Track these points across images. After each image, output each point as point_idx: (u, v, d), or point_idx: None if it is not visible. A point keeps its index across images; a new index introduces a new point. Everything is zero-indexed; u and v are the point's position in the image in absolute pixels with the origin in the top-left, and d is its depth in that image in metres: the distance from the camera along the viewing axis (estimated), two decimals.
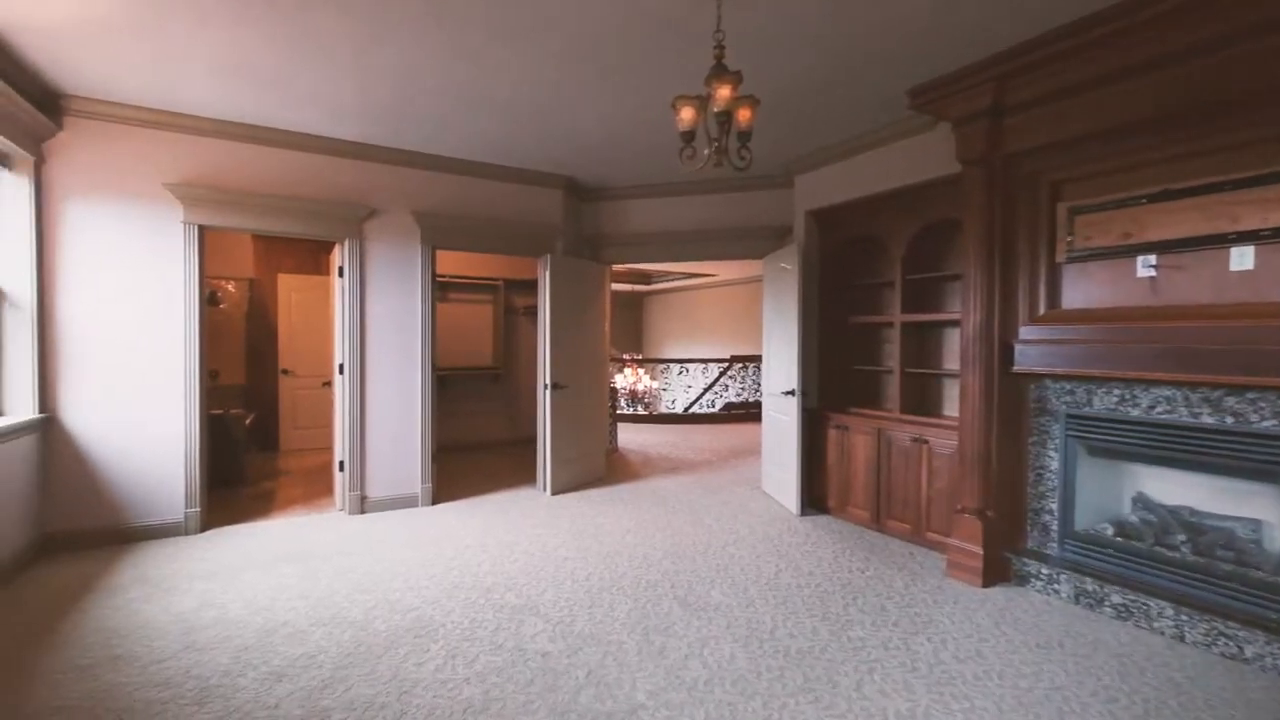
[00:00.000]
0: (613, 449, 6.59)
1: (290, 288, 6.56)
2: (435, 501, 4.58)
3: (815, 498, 4.33)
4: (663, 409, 10.32)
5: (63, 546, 3.53)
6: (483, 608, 2.82)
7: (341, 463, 4.35)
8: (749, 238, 5.07)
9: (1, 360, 3.35)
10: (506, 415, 6.98)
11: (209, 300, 6.39)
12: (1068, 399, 2.95)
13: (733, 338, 11.27)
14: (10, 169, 3.35)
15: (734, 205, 5.10)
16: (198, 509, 3.86)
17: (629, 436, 7.62)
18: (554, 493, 4.81)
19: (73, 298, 3.57)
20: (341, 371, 4.33)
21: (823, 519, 4.18)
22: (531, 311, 6.90)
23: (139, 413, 3.72)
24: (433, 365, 4.58)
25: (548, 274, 4.81)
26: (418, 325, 4.52)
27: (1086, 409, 2.88)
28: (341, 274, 4.32)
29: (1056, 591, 2.91)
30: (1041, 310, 3.00)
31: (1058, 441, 2.99)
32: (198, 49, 2.91)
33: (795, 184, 4.63)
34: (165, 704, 2.10)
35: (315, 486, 5.09)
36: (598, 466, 5.33)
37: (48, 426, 3.52)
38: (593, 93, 3.37)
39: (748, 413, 9.17)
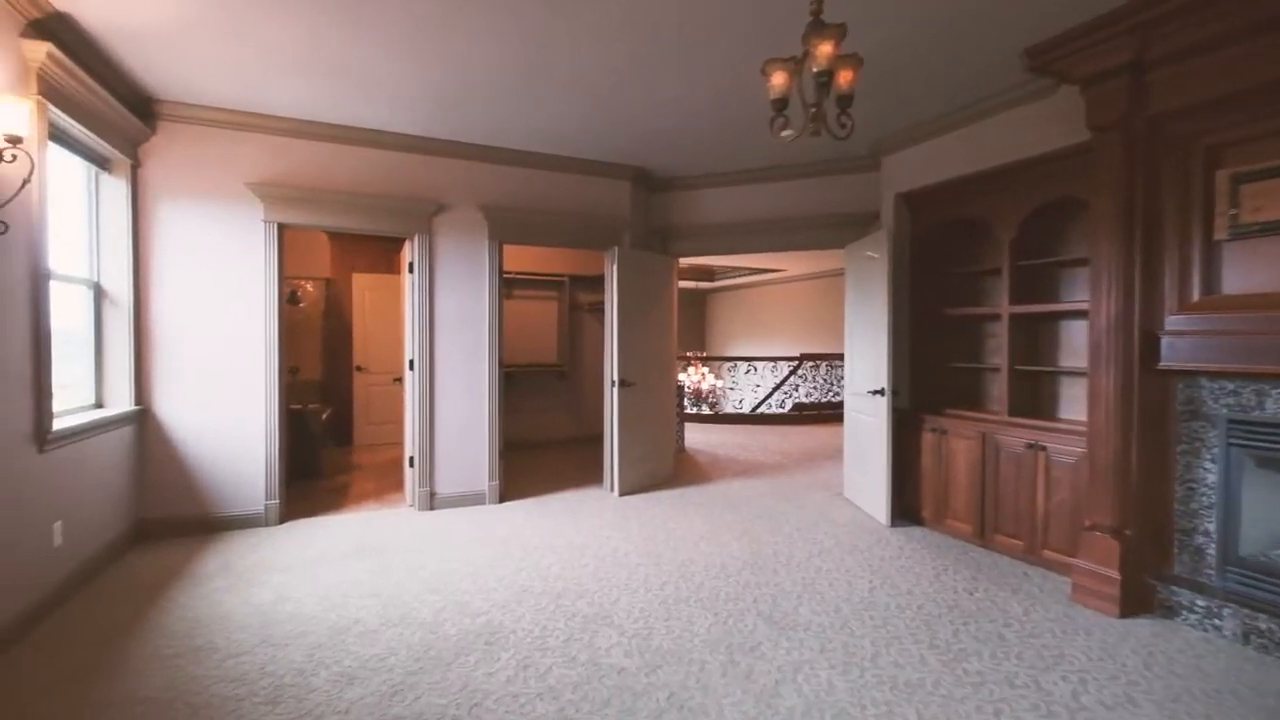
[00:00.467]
0: (679, 449, 6.38)
1: (364, 286, 6.72)
2: (503, 499, 4.51)
3: (907, 507, 3.96)
4: (728, 409, 10.01)
5: (155, 533, 3.66)
6: (554, 615, 2.68)
7: (411, 459, 4.35)
8: (828, 226, 4.74)
9: (103, 355, 3.50)
10: (571, 413, 6.90)
11: (290, 300, 6.64)
12: (1229, 401, 2.50)
13: (801, 336, 10.82)
14: (110, 172, 3.50)
15: (812, 192, 4.78)
16: (277, 501, 3.94)
17: (695, 436, 7.38)
18: (621, 493, 4.65)
19: (163, 295, 3.70)
20: (412, 368, 4.32)
21: (916, 531, 3.81)
22: (596, 309, 6.79)
23: (223, 407, 3.82)
24: (500, 362, 4.52)
25: (615, 268, 4.66)
26: (485, 321, 4.46)
27: (1256, 413, 2.43)
28: (412, 270, 4.32)
29: (1217, 628, 2.47)
30: (1195, 296, 2.56)
31: (1215, 451, 2.54)
32: (277, 43, 2.91)
33: (882, 166, 4.27)
34: (240, 701, 2.06)
35: (386, 481, 5.14)
36: (666, 467, 5.13)
37: (142, 418, 3.65)
38: (666, 71, 3.16)
39: (820, 414, 8.74)
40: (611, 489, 4.74)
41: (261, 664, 2.29)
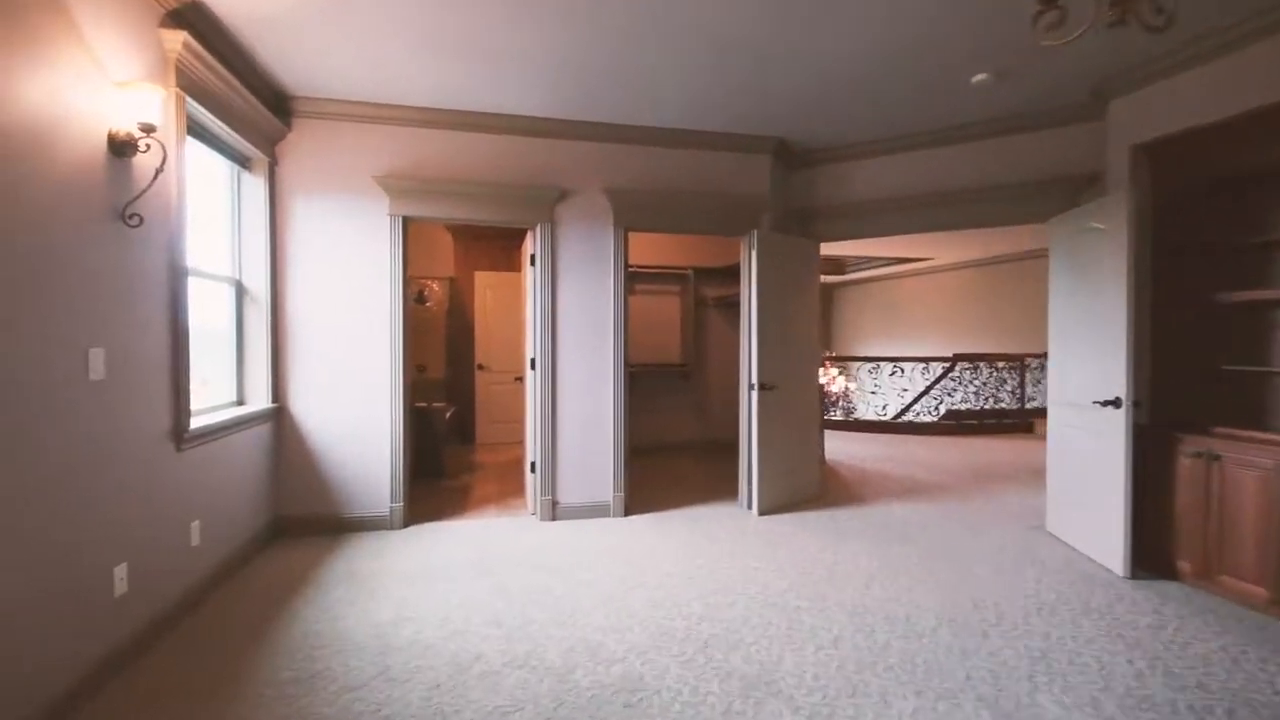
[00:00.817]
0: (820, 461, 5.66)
1: (486, 284, 6.67)
2: (628, 512, 4.11)
3: (1151, 553, 3.02)
4: (866, 414, 9.01)
5: (290, 530, 3.65)
6: (703, 671, 2.18)
7: (533, 464, 4.07)
8: (1022, 196, 3.84)
9: (244, 352, 3.52)
10: (694, 415, 6.40)
11: (417, 299, 6.75)
12: None
13: (949, 333, 9.54)
14: (250, 171, 3.50)
15: (999, 154, 3.90)
16: (401, 504, 3.80)
17: (830, 445, 6.60)
18: (761, 512, 4.07)
19: (296, 292, 3.67)
20: (533, 367, 4.04)
21: (1170, 587, 2.88)
22: (723, 304, 6.24)
23: (351, 405, 3.74)
24: (625, 360, 4.11)
25: (754, 254, 4.09)
26: (610, 316, 4.08)
27: None
28: (533, 262, 4.03)
29: None
30: None
31: None
32: (405, 17, 2.67)
33: (1110, 111, 3.33)
34: None
35: (508, 484, 4.94)
36: (810, 483, 4.47)
37: (278, 416, 3.65)
38: (818, 17, 2.55)
39: (981, 424, 7.56)
40: (749, 506, 4.18)
41: (378, 704, 2.00)
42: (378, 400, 3.77)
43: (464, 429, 6.67)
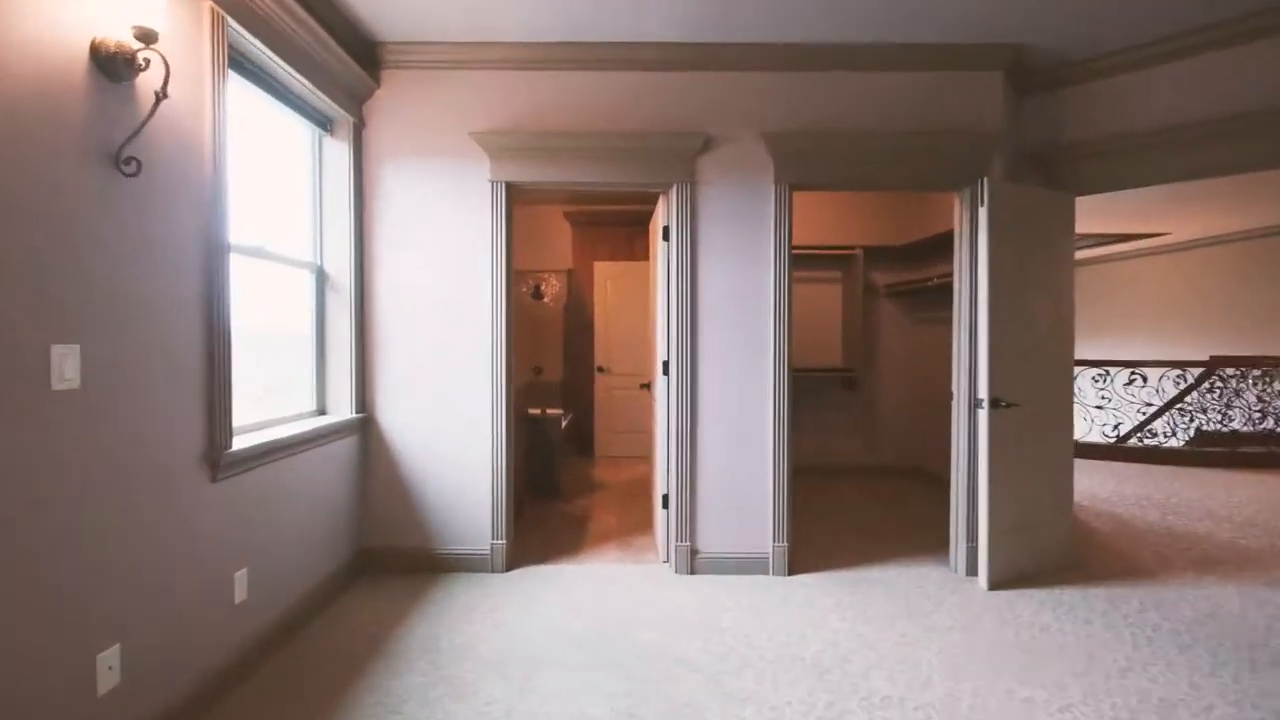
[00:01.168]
0: None
1: (606, 275, 5.90)
2: (792, 569, 3.04)
3: None
4: (1083, 434, 7.09)
5: (375, 566, 3.03)
6: None
7: (665, 498, 3.14)
8: None
9: (325, 351, 2.94)
10: (861, 434, 5.12)
11: (533, 294, 6.14)
12: None
13: (1193, 330, 7.30)
14: (333, 134, 2.92)
15: None
16: (503, 542, 3.04)
17: None
18: (992, 584, 2.81)
19: (383, 279, 3.04)
20: (665, 372, 3.11)
21: None
22: (898, 292, 4.91)
23: (445, 415, 3.05)
24: (788, 363, 3.05)
25: (983, 214, 2.84)
26: (769, 306, 3.04)
27: None
28: (667, 236, 3.11)
29: None
30: None
31: None
32: None
33: None
34: None
35: (631, 512, 4.07)
36: (1058, 542, 3.11)
37: (365, 428, 3.04)
38: None
39: (1270, 452, 5.51)
40: (966, 571, 2.94)
41: None
42: (477, 409, 3.04)
43: (582, 439, 5.95)
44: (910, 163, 3.01)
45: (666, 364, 3.12)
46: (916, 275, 4.78)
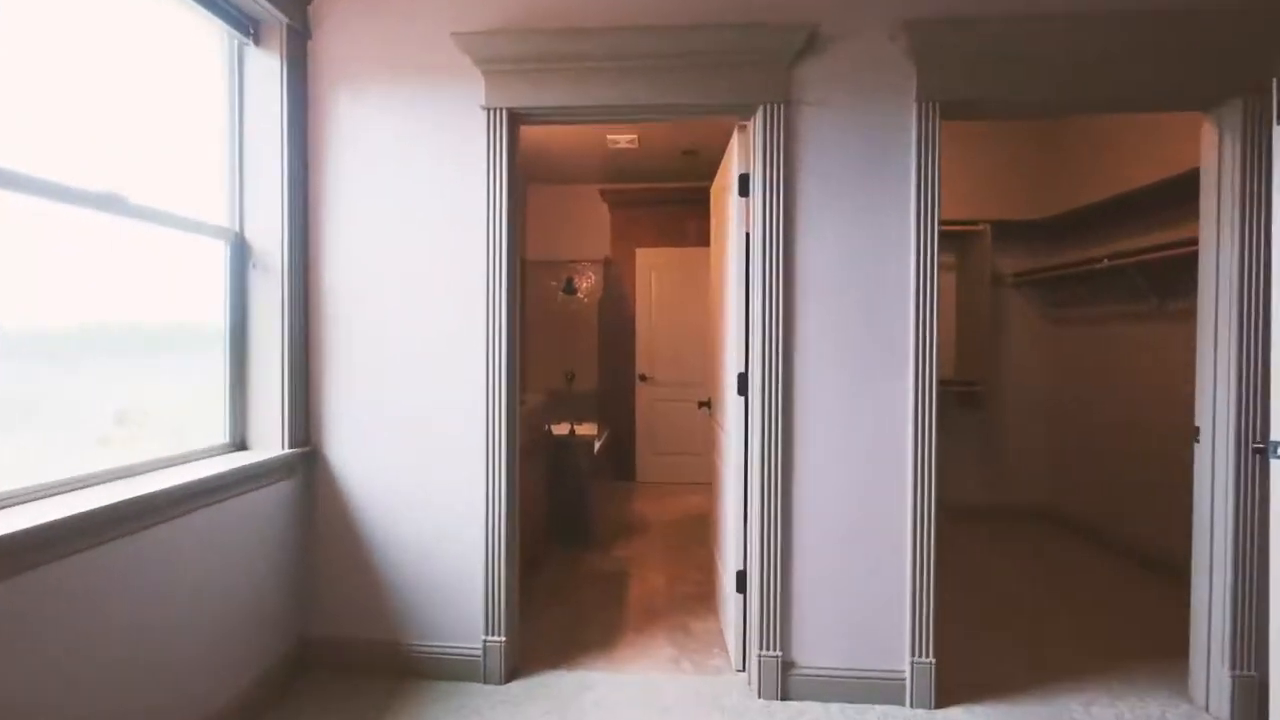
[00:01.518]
0: None
1: (649, 264, 4.91)
2: (942, 699, 1.96)
3: None
4: None
5: (326, 661, 2.11)
6: None
7: (741, 576, 2.11)
8: None
9: (246, 358, 2.04)
10: (986, 466, 3.93)
11: (565, 289, 5.22)
12: None
13: None
14: (261, 44, 2.02)
15: None
16: (502, 639, 2.07)
17: None
18: None
19: (336, 255, 2.12)
20: (742, 390, 2.08)
21: None
22: (1032, 281, 3.71)
23: (423, 448, 2.10)
24: (934, 381, 1.98)
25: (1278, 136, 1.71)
26: (905, 292, 1.99)
27: None
28: (744, 189, 2.09)
29: None
30: None
31: None
32: None
33: None
34: None
35: (686, 569, 3.06)
36: None
37: (308, 467, 2.12)
38: None
39: None
40: (1240, 717, 1.81)
41: None
42: (469, 440, 2.09)
43: (620, 459, 4.97)
44: (1132, 58, 1.90)
45: (743, 378, 2.09)
46: (1063, 258, 3.61)
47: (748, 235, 2.07)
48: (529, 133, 2.80)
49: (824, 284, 2.00)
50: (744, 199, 2.10)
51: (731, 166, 2.23)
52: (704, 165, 4.66)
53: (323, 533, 2.13)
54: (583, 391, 5.23)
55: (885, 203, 1.98)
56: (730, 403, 2.21)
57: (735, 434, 2.14)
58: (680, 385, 4.87)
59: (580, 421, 4.78)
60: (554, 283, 5.26)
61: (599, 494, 3.83)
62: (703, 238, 4.96)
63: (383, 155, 2.09)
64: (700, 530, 3.70)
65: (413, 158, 2.09)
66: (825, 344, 2.00)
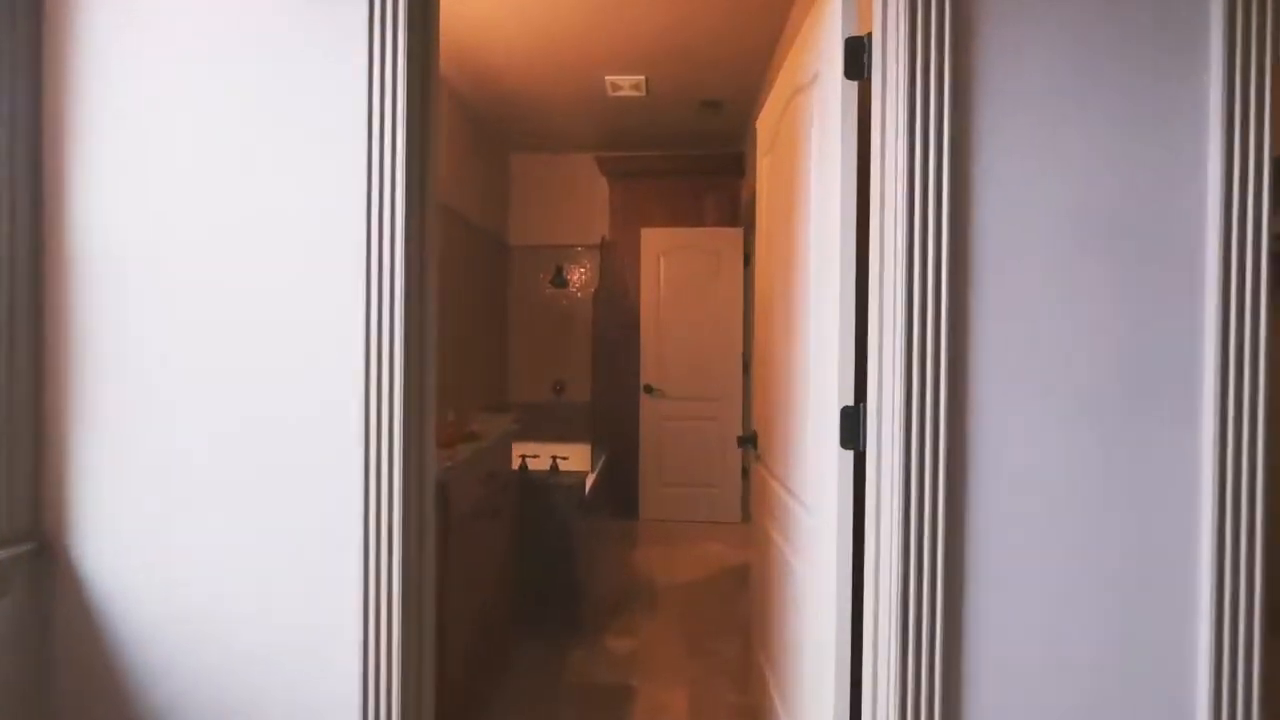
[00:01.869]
0: None
1: (657, 248, 3.93)
2: None
3: None
4: None
5: None
6: None
7: None
8: None
9: None
10: None
11: (553, 280, 4.28)
12: None
13: None
14: None
15: None
16: None
17: None
18: None
19: (92, 215, 1.14)
20: (854, 437, 1.10)
21: None
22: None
23: (237, 539, 1.12)
24: (1260, 430, 1.00)
25: None
26: (1204, 269, 1.01)
27: None
28: (857, 67, 1.11)
29: None
30: None
31: None
32: None
33: None
34: None
35: (712, 673, 2.05)
36: None
37: (35, 574, 1.13)
38: None
39: None
40: None
41: None
42: (327, 519, 1.10)
43: (619, 490, 3.99)
44: None
45: (852, 415, 1.11)
46: None
47: (866, 160, 1.10)
48: (502, 84, 1.83)
49: (1035, 253, 1.02)
50: (852, 86, 1.13)
51: (821, 34, 1.25)
52: (729, 124, 3.70)
53: (66, 694, 1.14)
54: (574, 404, 4.28)
55: (1165, 109, 1.01)
56: (823, 459, 1.22)
57: (830, 517, 1.16)
58: (695, 400, 3.90)
59: (568, 443, 3.81)
60: (542, 275, 4.31)
61: (592, 542, 2.83)
62: (725, 216, 4.00)
63: (183, 50, 1.12)
64: (729, 606, 2.71)
65: (236, 40, 1.11)
66: (1035, 364, 1.02)
